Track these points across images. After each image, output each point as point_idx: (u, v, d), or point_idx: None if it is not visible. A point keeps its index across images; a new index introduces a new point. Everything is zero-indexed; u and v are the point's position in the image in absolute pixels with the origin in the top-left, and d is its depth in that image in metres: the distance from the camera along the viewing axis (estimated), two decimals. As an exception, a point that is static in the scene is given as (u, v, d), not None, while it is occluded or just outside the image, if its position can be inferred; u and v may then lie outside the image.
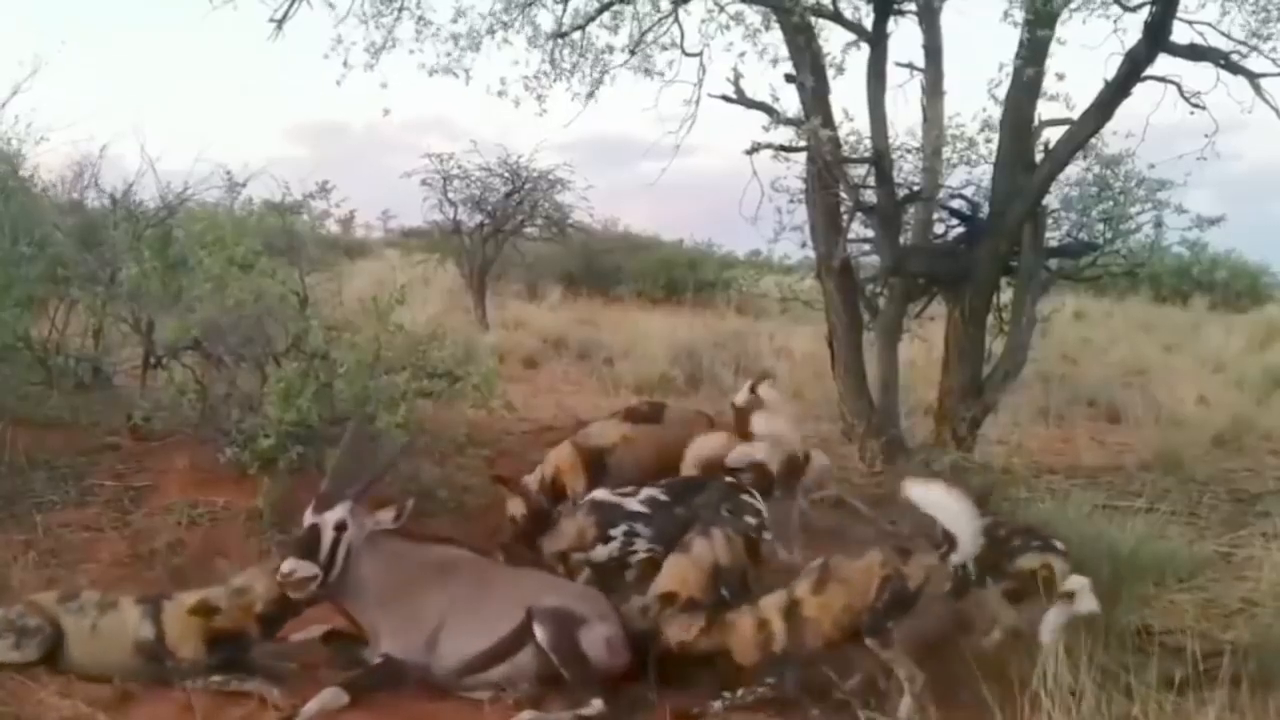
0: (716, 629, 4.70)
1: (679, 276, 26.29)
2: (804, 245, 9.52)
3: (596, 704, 4.43)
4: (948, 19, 8.76)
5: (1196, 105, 7.78)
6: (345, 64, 8.51)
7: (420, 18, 8.56)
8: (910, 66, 8.93)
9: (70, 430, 7.59)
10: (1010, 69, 8.14)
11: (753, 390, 7.06)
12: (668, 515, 5.63)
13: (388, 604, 4.77)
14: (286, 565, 4.57)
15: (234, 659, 4.64)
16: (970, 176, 9.42)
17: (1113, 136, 8.92)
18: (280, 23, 8.83)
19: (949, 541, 4.52)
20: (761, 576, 5.43)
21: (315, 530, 4.68)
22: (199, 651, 4.60)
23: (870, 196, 8.37)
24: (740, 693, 4.60)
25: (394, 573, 4.82)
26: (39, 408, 7.82)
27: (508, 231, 20.35)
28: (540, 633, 4.61)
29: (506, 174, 19.52)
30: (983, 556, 4.83)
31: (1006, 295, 9.31)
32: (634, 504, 5.70)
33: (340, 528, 4.68)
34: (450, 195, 19.73)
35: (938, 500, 4.56)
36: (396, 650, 4.67)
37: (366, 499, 4.88)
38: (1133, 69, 7.58)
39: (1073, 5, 7.49)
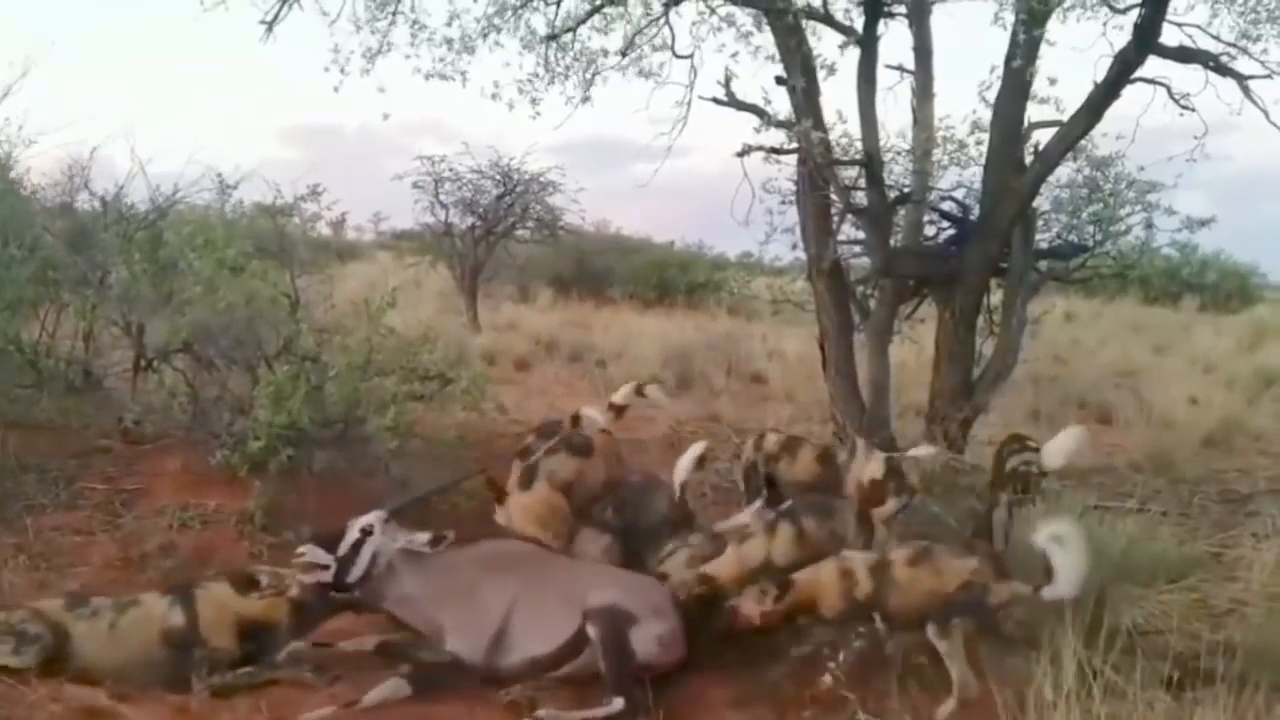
0: (793, 589, 4.74)
1: (670, 278, 26.31)
2: (795, 247, 9.54)
3: (618, 703, 4.44)
4: (938, 21, 8.81)
5: (1186, 107, 7.82)
6: (342, 71, 8.50)
7: (415, 21, 8.55)
8: (900, 69, 8.96)
9: (61, 433, 7.56)
10: (1000, 71, 8.17)
11: (639, 393, 7.05)
12: None
13: (447, 605, 4.81)
14: (303, 548, 4.73)
15: (261, 654, 4.70)
16: (960, 178, 9.44)
17: (1103, 138, 8.97)
18: (270, 25, 8.81)
19: (1049, 575, 4.49)
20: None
21: (344, 530, 4.82)
22: (231, 641, 4.64)
23: (861, 198, 8.38)
24: (841, 654, 4.67)
25: (448, 578, 4.87)
26: (29, 411, 7.80)
27: (499, 234, 20.35)
28: (592, 630, 4.65)
29: (498, 176, 19.55)
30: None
31: (997, 297, 9.33)
32: None
33: (366, 531, 4.79)
34: (442, 198, 19.78)
35: (1063, 537, 4.54)
36: (461, 649, 4.72)
37: (403, 517, 5.01)
38: (1122, 70, 7.60)
39: (1064, 5, 7.51)
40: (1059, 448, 6.07)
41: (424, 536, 4.90)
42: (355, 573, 4.75)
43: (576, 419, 7.09)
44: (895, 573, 4.68)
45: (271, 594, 4.77)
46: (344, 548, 4.75)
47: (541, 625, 4.75)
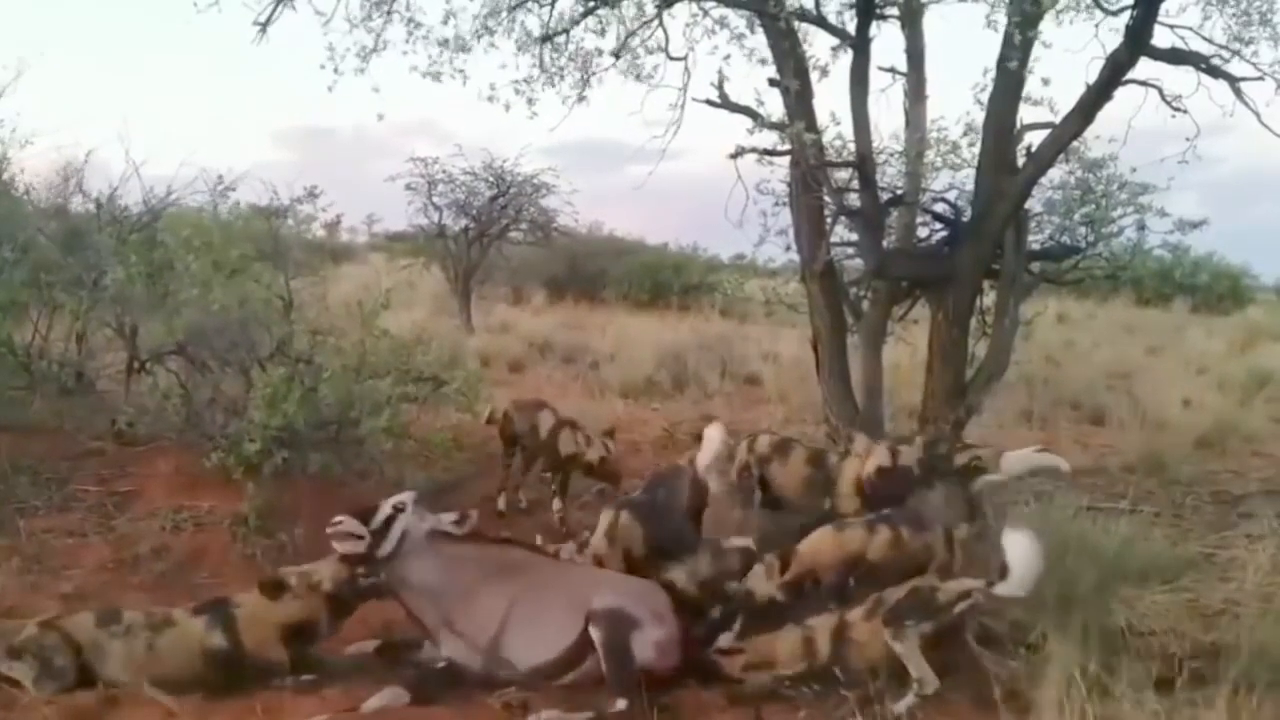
0: (761, 660, 4.85)
1: (664, 280, 26.36)
2: (788, 249, 9.53)
3: (621, 704, 4.48)
4: (930, 23, 8.79)
5: (1177, 109, 7.82)
6: (336, 70, 8.48)
7: (410, 20, 8.54)
8: (893, 71, 8.96)
9: (54, 435, 7.56)
10: (993, 73, 8.18)
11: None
12: None
13: (448, 605, 4.87)
14: (339, 518, 4.82)
15: (305, 656, 4.78)
16: (953, 180, 9.42)
17: (1095, 140, 8.95)
18: (264, 26, 8.78)
19: (1003, 573, 4.60)
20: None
21: (377, 505, 4.92)
22: (277, 651, 4.71)
23: (854, 200, 8.38)
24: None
25: (454, 574, 4.93)
26: (22, 413, 7.79)
27: (492, 235, 20.36)
28: (595, 633, 4.70)
29: (491, 178, 19.54)
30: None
31: (989, 298, 9.33)
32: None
33: (398, 508, 4.90)
34: (435, 199, 19.77)
35: (1018, 540, 4.62)
36: (458, 654, 4.78)
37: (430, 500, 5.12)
38: (1114, 72, 7.60)
39: (1057, 7, 7.51)
40: (1020, 459, 6.38)
41: (450, 516, 5.01)
42: (386, 548, 4.82)
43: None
44: (853, 633, 4.79)
45: (304, 592, 4.83)
46: (377, 522, 4.84)
47: (542, 633, 4.79)
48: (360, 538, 4.80)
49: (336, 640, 5.07)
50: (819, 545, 5.38)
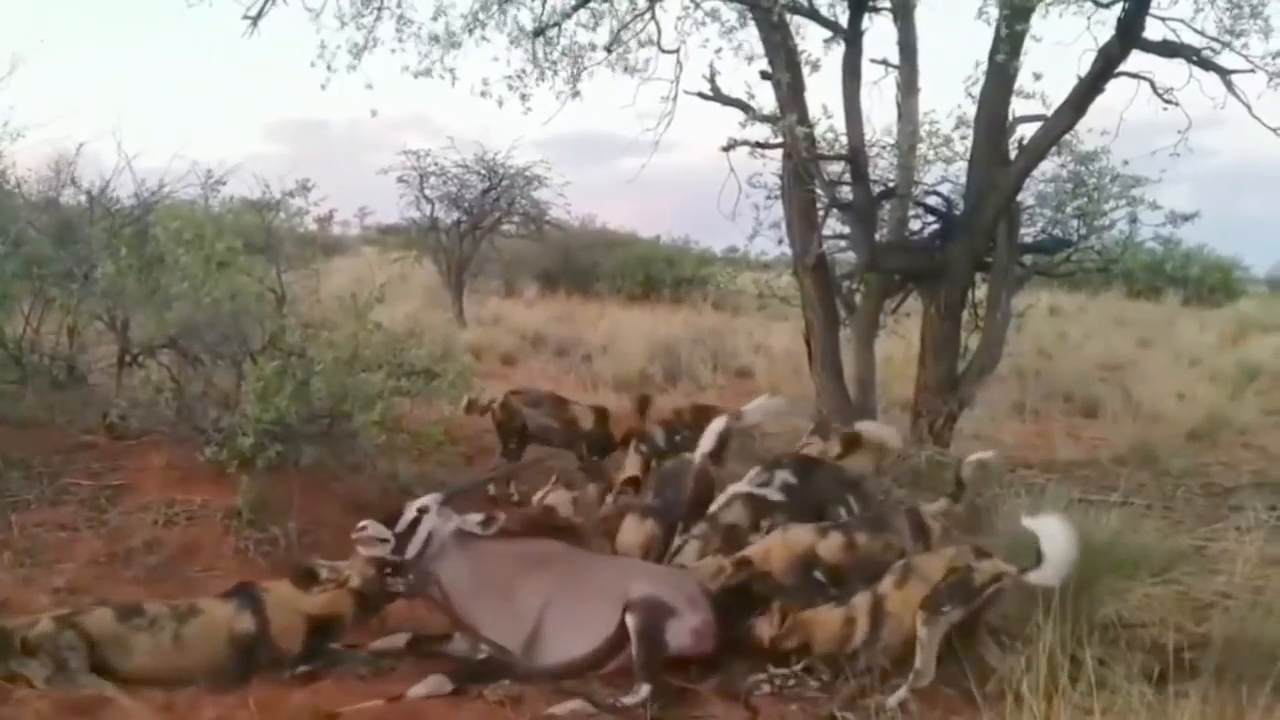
0: (800, 627, 4.83)
1: (656, 273, 26.38)
2: (781, 242, 9.57)
3: (644, 690, 4.52)
4: (922, 16, 8.83)
5: (1169, 101, 7.85)
6: (329, 68, 8.48)
7: (400, 16, 8.55)
8: (885, 63, 8.98)
9: (45, 429, 7.53)
10: (985, 66, 8.19)
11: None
12: (798, 497, 5.96)
13: (484, 600, 4.90)
14: (364, 523, 4.87)
15: (320, 650, 4.78)
16: (945, 173, 9.48)
17: (1087, 133, 9.01)
18: (255, 20, 8.78)
19: (1037, 560, 4.58)
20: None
21: (401, 509, 4.98)
22: (301, 642, 4.72)
23: (846, 193, 8.41)
24: (787, 676, 4.76)
25: (487, 569, 4.96)
26: (13, 406, 7.76)
27: (485, 228, 20.33)
28: (630, 620, 4.73)
29: (484, 171, 19.51)
30: None
31: (982, 291, 9.36)
32: (775, 494, 5.98)
33: (422, 510, 4.94)
34: (427, 192, 19.75)
35: (1046, 526, 4.63)
36: (499, 648, 4.79)
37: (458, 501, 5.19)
38: (1106, 65, 7.63)
39: (1047, 0, 7.53)
40: (756, 407, 7.12)
41: (476, 517, 5.03)
42: (411, 550, 4.86)
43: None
44: (887, 605, 4.76)
45: (333, 587, 4.86)
46: (401, 524, 4.89)
47: (580, 625, 4.82)
48: (385, 541, 4.84)
49: (364, 633, 5.09)
50: (771, 552, 5.35)
